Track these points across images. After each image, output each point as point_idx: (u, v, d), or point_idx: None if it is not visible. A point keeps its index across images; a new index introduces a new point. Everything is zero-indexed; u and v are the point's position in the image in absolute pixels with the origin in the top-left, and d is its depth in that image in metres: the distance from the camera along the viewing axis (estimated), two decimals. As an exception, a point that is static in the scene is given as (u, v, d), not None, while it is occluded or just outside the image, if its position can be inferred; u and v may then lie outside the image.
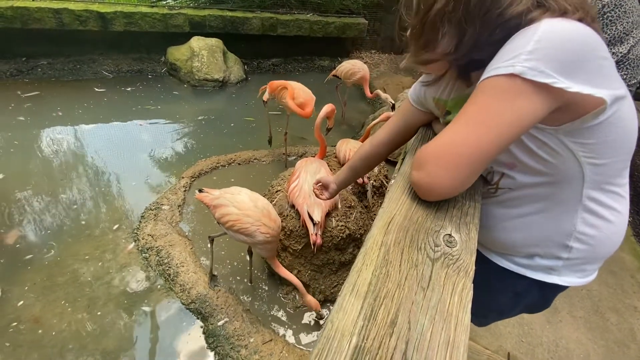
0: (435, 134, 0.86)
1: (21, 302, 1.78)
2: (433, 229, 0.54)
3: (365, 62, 4.64)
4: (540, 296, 0.84)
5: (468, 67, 0.67)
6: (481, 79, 0.57)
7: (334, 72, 3.43)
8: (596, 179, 0.65)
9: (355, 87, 3.52)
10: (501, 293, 0.86)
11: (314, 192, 1.22)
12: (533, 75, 0.52)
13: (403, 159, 0.82)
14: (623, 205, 0.71)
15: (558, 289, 0.81)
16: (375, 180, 2.31)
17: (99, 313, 1.80)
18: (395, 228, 0.54)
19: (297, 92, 2.51)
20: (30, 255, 2.02)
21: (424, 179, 0.59)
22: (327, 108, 2.12)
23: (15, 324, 1.69)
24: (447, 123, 0.75)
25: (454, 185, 0.59)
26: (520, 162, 0.67)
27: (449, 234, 0.54)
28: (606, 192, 0.68)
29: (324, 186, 1.21)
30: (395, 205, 0.59)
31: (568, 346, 1.82)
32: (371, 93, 3.29)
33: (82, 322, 1.75)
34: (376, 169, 2.36)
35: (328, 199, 1.20)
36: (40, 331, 1.68)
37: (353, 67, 3.28)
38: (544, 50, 0.52)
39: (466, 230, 0.55)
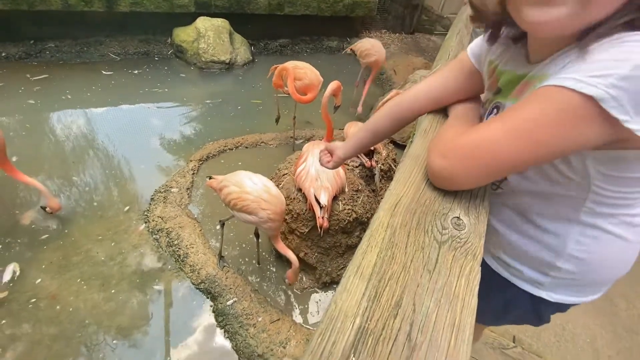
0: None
1: (39, 280, 1.85)
2: (441, 212, 0.53)
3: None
4: (532, 309, 0.81)
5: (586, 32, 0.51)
6: (552, 82, 0.48)
7: (352, 46, 3.33)
8: (600, 207, 0.62)
9: (368, 69, 3.42)
10: (493, 296, 0.82)
11: (320, 158, 1.09)
12: (611, 107, 0.44)
13: (412, 142, 0.78)
14: (632, 234, 0.66)
15: (551, 305, 0.78)
16: (383, 164, 2.28)
17: (113, 291, 1.86)
18: (402, 210, 0.53)
19: (302, 73, 2.42)
20: (46, 235, 2.08)
21: (447, 170, 0.56)
22: (332, 85, 2.05)
23: (34, 300, 1.76)
24: (492, 103, 0.70)
25: (474, 183, 0.58)
26: (533, 168, 0.64)
27: (458, 217, 0.53)
28: (610, 219, 0.64)
29: (330, 151, 1.08)
30: (402, 187, 0.57)
31: (575, 330, 1.82)
32: (369, 81, 3.21)
33: (97, 299, 1.81)
34: (384, 152, 2.33)
35: (334, 167, 1.07)
36: (57, 307, 1.75)
37: (371, 48, 3.17)
38: (637, 81, 0.43)
39: (475, 213, 0.54)
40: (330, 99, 2.12)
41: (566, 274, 0.71)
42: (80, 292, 1.83)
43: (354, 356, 0.35)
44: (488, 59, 0.73)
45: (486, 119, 0.71)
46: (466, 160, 0.54)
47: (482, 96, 0.78)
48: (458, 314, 0.40)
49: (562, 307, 0.79)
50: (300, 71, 2.41)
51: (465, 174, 0.55)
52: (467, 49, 0.78)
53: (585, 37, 0.50)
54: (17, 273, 1.85)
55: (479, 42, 0.76)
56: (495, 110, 0.70)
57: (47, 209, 2.07)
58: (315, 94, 2.41)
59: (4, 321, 1.66)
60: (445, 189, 0.58)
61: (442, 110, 0.80)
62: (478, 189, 0.58)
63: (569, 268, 0.70)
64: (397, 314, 0.39)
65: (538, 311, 0.81)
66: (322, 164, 1.07)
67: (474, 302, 0.42)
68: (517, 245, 0.74)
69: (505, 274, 0.80)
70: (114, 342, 1.67)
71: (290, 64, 2.47)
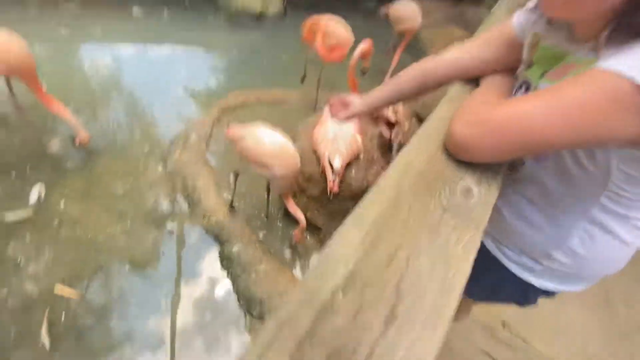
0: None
1: (62, 204, 1.98)
2: (452, 179, 0.52)
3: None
4: (520, 292, 0.83)
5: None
6: (604, 65, 0.45)
7: (387, 9, 3.12)
8: (613, 205, 0.61)
9: (401, 36, 3.23)
10: (483, 275, 0.84)
11: (329, 108, 1.03)
12: None
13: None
14: (635, 237, 0.66)
15: (539, 290, 0.79)
16: (403, 138, 2.23)
17: (129, 224, 1.98)
18: (413, 172, 0.52)
19: (334, 30, 2.29)
20: (71, 164, 2.19)
21: (471, 140, 0.53)
22: (363, 45, 1.90)
23: (57, 222, 1.90)
24: (522, 78, 0.67)
25: (497, 157, 0.56)
26: (557, 156, 0.62)
27: (468, 186, 0.52)
28: (620, 220, 0.63)
29: (346, 103, 1.00)
30: (417, 149, 0.56)
31: (568, 326, 1.84)
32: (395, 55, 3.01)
33: (114, 229, 1.93)
34: (407, 125, 2.26)
35: (345, 118, 1.00)
36: (78, 232, 1.88)
37: (406, 13, 2.95)
38: None
39: (487, 185, 0.53)
40: (359, 62, 2.03)
41: (558, 265, 0.72)
42: (99, 221, 1.95)
43: (341, 295, 0.37)
44: (533, 31, 0.67)
45: (514, 94, 0.68)
46: (496, 133, 0.52)
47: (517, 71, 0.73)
48: (450, 276, 0.41)
49: (548, 293, 0.81)
50: (332, 27, 2.28)
51: (491, 147, 0.53)
52: (514, 16, 0.72)
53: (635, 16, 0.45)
54: (43, 195, 1.98)
55: (526, 12, 0.70)
56: (524, 86, 0.67)
57: (76, 141, 2.15)
58: (343, 53, 2.31)
59: (28, 238, 1.81)
60: (464, 159, 0.56)
61: (474, 81, 0.76)
62: (494, 163, 0.56)
63: (563, 260, 0.71)
64: (389, 265, 0.40)
65: (525, 293, 0.83)
66: (332, 115, 1.02)
67: (467, 268, 0.43)
68: (517, 230, 0.74)
69: (498, 254, 0.80)
70: (127, 270, 1.80)
71: (324, 18, 2.34)
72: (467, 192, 0.51)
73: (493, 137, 0.52)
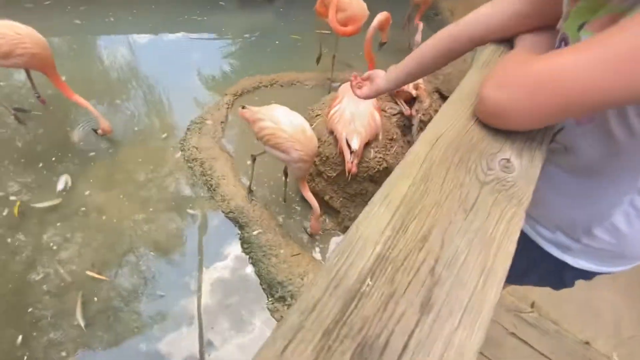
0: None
1: (88, 192, 2.04)
2: (489, 151, 0.47)
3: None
4: (555, 272, 0.76)
5: None
6: None
7: None
8: None
9: (416, 8, 3.05)
10: (516, 255, 0.78)
11: (350, 85, 0.97)
12: None
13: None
14: None
15: (575, 270, 0.73)
16: (424, 114, 2.13)
17: (151, 210, 2.02)
18: (444, 145, 0.47)
19: (347, 3, 2.19)
20: (93, 153, 2.24)
21: (505, 103, 0.46)
22: (380, 17, 1.79)
23: (83, 209, 1.96)
24: (560, 33, 0.58)
25: (534, 123, 0.48)
26: (601, 119, 0.53)
27: (507, 159, 0.46)
28: None
29: (371, 79, 0.94)
30: (447, 120, 0.51)
31: (600, 307, 1.76)
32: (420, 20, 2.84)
33: (137, 216, 1.98)
34: (427, 102, 2.16)
35: (366, 96, 0.94)
36: (104, 218, 1.94)
37: None
38: None
39: (529, 156, 0.47)
40: (376, 35, 1.91)
41: (599, 243, 0.66)
42: (123, 208, 2.00)
43: (370, 280, 0.33)
44: None
45: None
46: (532, 93, 0.44)
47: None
48: (491, 257, 0.36)
49: (586, 275, 0.75)
50: (345, 1, 2.18)
51: (527, 111, 0.45)
52: None
53: None
54: (69, 184, 2.05)
55: None
56: (562, 43, 0.58)
57: (99, 131, 2.18)
58: (357, 27, 2.20)
59: (58, 224, 1.88)
60: (497, 126, 0.49)
61: (509, 44, 0.67)
62: (537, 132, 0.50)
63: (604, 238, 0.64)
64: (422, 247, 0.36)
65: (561, 275, 0.77)
66: (356, 93, 0.95)
67: (511, 247, 0.38)
68: (554, 205, 0.68)
69: (530, 232, 0.74)
70: (152, 254, 1.85)
71: (337, -7, 2.23)
72: (507, 164, 0.46)
73: (529, 99, 0.45)
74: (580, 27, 0.53)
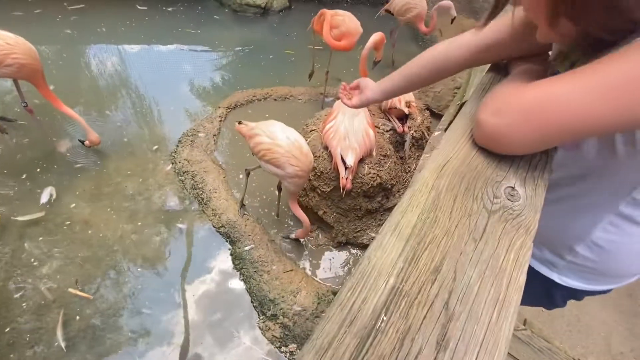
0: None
1: (73, 205, 1.97)
2: (494, 179, 0.47)
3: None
4: (544, 291, 0.78)
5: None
6: None
7: (386, 6, 3.06)
8: None
9: (408, 26, 3.15)
10: None
11: (339, 94, 0.97)
12: None
13: (460, 106, 0.69)
14: None
15: (564, 289, 0.74)
16: (416, 131, 2.17)
17: (139, 224, 1.96)
18: (450, 172, 0.47)
19: (340, 21, 2.25)
20: (80, 165, 2.18)
21: (500, 129, 0.48)
22: (375, 37, 1.86)
23: (68, 223, 1.89)
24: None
25: (531, 147, 0.50)
26: (587, 145, 0.56)
27: (512, 187, 0.47)
28: None
29: (360, 89, 0.95)
30: (452, 147, 0.51)
31: (590, 323, 1.78)
32: (426, 27, 2.92)
33: (124, 229, 1.92)
34: (419, 119, 2.20)
35: (355, 106, 0.94)
36: (89, 232, 1.88)
37: (409, 1, 2.89)
38: None
39: (533, 185, 0.48)
40: (370, 54, 1.96)
41: (583, 260, 0.68)
42: (109, 221, 1.94)
43: (385, 315, 0.32)
44: None
45: None
46: (527, 119, 0.46)
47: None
48: (503, 289, 0.36)
49: (576, 294, 0.77)
50: (339, 18, 2.24)
51: (523, 136, 0.47)
52: None
53: None
54: (54, 196, 1.98)
55: None
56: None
57: (86, 143, 2.13)
58: (352, 42, 2.25)
59: (40, 238, 1.81)
60: (495, 150, 0.50)
61: (505, 70, 0.70)
62: (539, 159, 0.51)
63: (587, 255, 0.66)
64: (435, 279, 0.36)
65: (550, 293, 0.78)
66: (345, 101, 0.96)
67: (522, 278, 0.38)
68: (541, 225, 0.69)
69: None
70: (139, 270, 1.79)
71: (331, 12, 2.29)
72: (512, 192, 0.46)
73: (524, 124, 0.46)
74: (572, 66, 0.55)
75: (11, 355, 1.44)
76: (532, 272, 0.75)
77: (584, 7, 0.44)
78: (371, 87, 0.91)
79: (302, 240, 1.94)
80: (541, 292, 0.79)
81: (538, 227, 0.68)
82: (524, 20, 0.63)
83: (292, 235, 1.92)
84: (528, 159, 0.51)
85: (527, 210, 0.44)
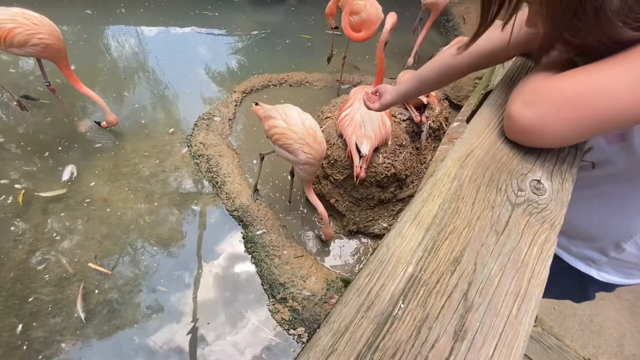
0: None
1: (93, 183, 2.03)
2: (519, 172, 0.46)
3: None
4: (577, 285, 0.77)
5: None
6: None
7: None
8: None
9: (427, 12, 3.03)
10: None
11: (363, 100, 1.04)
12: None
13: (485, 95, 0.67)
14: None
15: (598, 284, 0.73)
16: (433, 121, 2.12)
17: (155, 204, 2.01)
18: (473, 163, 0.46)
19: (361, 6, 2.17)
20: (99, 145, 2.23)
21: (533, 120, 0.45)
22: (392, 19, 1.70)
23: (88, 200, 1.95)
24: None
25: (564, 141, 0.47)
26: (631, 137, 0.53)
27: (538, 180, 0.45)
28: None
29: (380, 94, 1.00)
30: (477, 138, 0.50)
31: (603, 324, 1.75)
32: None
33: (141, 209, 1.97)
34: (437, 109, 2.15)
35: (378, 109, 1.00)
36: (108, 210, 1.93)
37: None
38: None
39: (560, 179, 0.46)
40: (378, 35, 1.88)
41: (628, 257, 0.66)
42: (127, 200, 1.99)
43: (402, 303, 0.32)
44: None
45: None
46: (561, 111, 0.43)
47: None
48: (525, 283, 0.36)
49: (609, 287, 0.75)
50: (360, 3, 2.16)
51: (557, 129, 0.45)
52: None
53: None
54: (75, 174, 2.04)
55: None
56: None
57: (102, 124, 2.18)
58: (371, 33, 2.18)
59: (62, 214, 1.87)
60: (526, 144, 0.48)
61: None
62: (567, 152, 0.49)
63: (633, 251, 0.65)
64: (454, 270, 0.35)
65: (583, 288, 0.78)
66: (366, 105, 1.00)
67: (544, 273, 0.37)
68: (582, 221, 0.68)
69: (557, 249, 0.74)
70: (154, 248, 1.84)
71: (351, -4, 2.22)
72: (538, 185, 0.45)
73: (558, 116, 0.44)
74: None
75: (34, 324, 1.52)
76: (563, 267, 0.74)
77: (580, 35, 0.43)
78: (389, 91, 0.95)
79: (324, 236, 1.92)
80: (574, 286, 0.78)
81: (574, 223, 0.67)
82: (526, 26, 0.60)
83: (323, 237, 1.91)
84: (556, 152, 0.49)
85: (552, 205, 0.43)
